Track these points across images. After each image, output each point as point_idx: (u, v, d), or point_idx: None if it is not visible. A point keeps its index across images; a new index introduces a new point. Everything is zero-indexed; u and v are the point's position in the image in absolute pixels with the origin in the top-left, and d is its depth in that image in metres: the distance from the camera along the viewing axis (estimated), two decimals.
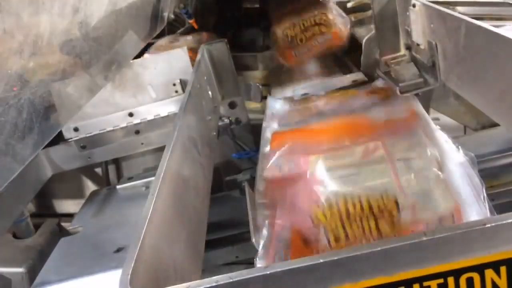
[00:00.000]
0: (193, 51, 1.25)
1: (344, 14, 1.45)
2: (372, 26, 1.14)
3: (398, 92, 1.04)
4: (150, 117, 1.22)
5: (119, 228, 0.99)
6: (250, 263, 0.73)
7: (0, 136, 0.56)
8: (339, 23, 1.41)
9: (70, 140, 1.22)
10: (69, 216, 1.31)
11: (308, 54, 1.44)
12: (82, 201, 1.21)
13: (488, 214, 0.68)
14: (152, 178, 0.66)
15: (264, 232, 0.75)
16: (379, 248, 0.43)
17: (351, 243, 0.75)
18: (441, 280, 0.44)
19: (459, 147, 0.81)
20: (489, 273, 0.44)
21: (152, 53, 1.42)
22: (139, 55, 1.23)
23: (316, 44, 1.42)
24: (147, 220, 0.54)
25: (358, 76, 1.26)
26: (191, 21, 1.71)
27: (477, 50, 0.78)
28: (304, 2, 1.51)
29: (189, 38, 1.59)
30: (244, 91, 1.33)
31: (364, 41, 1.20)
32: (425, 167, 0.80)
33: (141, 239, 0.51)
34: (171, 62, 1.20)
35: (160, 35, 1.55)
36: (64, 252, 0.95)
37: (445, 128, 0.89)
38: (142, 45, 1.21)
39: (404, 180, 0.79)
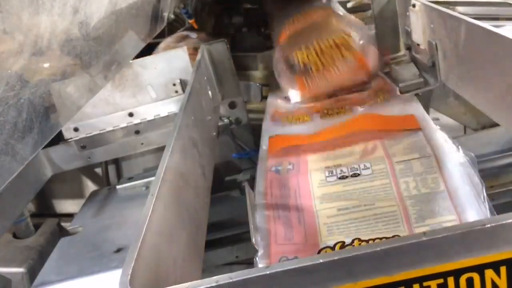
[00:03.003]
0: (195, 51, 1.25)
1: (369, 33, 1.14)
2: (372, 26, 1.15)
3: (398, 92, 1.05)
4: (150, 117, 1.22)
5: (119, 228, 0.99)
6: (250, 263, 0.73)
7: (0, 135, 0.56)
8: (366, 45, 1.11)
9: (70, 140, 1.22)
10: (69, 216, 1.31)
11: (325, 85, 1.13)
12: (82, 201, 1.21)
13: (488, 214, 0.68)
14: (152, 178, 0.66)
15: (264, 232, 0.75)
16: (379, 248, 0.43)
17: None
18: (441, 280, 0.44)
19: (459, 147, 0.81)
20: (489, 273, 0.44)
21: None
22: (142, 55, 1.23)
23: (336, 73, 1.11)
24: (147, 220, 0.54)
25: None
26: (191, 21, 1.71)
27: (477, 50, 0.78)
28: (317, 14, 1.21)
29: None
30: (244, 91, 1.33)
31: None
32: (425, 170, 0.79)
33: (141, 239, 0.51)
34: (171, 62, 1.20)
35: (160, 35, 1.55)
36: (64, 252, 0.95)
37: (445, 128, 0.89)
38: (142, 45, 1.21)
39: (402, 182, 0.79)
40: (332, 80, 1.11)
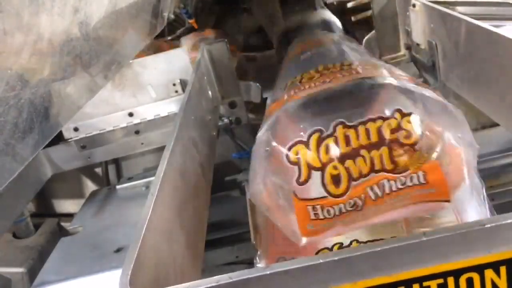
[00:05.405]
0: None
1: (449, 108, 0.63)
2: (373, 26, 1.15)
3: None
4: (150, 117, 1.23)
5: (119, 228, 0.99)
6: (250, 263, 0.73)
7: (0, 136, 0.56)
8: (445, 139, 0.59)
9: (70, 140, 1.22)
10: (69, 216, 1.31)
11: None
12: (82, 201, 1.21)
13: (488, 214, 0.68)
14: (152, 178, 0.66)
15: (264, 232, 0.75)
16: (379, 248, 0.43)
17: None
18: (441, 280, 0.44)
19: None
20: (489, 273, 0.44)
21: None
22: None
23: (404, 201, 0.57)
24: (147, 220, 0.54)
25: None
26: (191, 21, 1.71)
27: (477, 50, 0.78)
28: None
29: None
30: (244, 91, 1.33)
31: (364, 41, 1.20)
32: None
33: (141, 239, 0.51)
34: (171, 62, 1.20)
35: (160, 35, 1.55)
36: (64, 252, 0.95)
37: None
38: (142, 45, 1.21)
39: None
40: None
